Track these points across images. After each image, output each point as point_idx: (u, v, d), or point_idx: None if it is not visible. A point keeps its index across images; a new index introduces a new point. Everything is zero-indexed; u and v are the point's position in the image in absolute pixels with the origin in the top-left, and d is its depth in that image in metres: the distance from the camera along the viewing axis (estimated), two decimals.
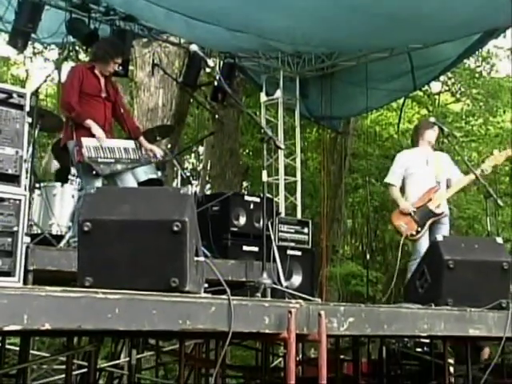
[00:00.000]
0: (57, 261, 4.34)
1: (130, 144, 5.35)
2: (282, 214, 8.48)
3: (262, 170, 4.28)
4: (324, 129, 12.08)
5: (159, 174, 6.06)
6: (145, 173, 5.82)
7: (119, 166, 5.17)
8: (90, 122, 5.18)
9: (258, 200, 6.54)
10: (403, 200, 6.19)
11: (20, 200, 3.39)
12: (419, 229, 6.02)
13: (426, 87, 13.44)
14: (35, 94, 5.30)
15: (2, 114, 3.41)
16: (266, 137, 4.17)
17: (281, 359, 7.07)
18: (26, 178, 4.18)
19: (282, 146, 5.75)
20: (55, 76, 13.24)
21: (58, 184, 5.79)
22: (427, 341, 6.11)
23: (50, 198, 5.65)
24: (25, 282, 3.69)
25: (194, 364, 5.98)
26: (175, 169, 6.43)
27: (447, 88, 15.51)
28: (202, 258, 3.27)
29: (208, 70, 7.83)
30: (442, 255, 4.19)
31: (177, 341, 5.45)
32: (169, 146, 7.27)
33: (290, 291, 4.44)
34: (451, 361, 5.74)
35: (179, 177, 6.18)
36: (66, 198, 5.73)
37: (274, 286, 4.06)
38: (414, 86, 9.90)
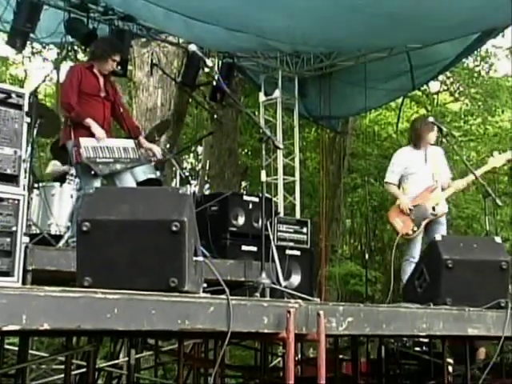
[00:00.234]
0: (56, 261, 4.34)
1: (130, 143, 5.34)
2: (281, 214, 8.48)
3: (261, 169, 4.29)
4: (323, 128, 12.08)
5: (158, 173, 6.05)
6: (144, 173, 5.81)
7: (118, 166, 5.16)
8: (89, 121, 5.18)
9: (256, 200, 6.54)
10: (404, 196, 6.14)
11: (19, 200, 3.39)
12: (415, 228, 6.00)
13: (425, 87, 13.44)
14: (34, 93, 5.28)
15: (0, 114, 3.41)
16: (265, 137, 4.17)
17: (280, 359, 7.08)
18: (25, 177, 4.19)
19: (281, 146, 5.75)
20: (54, 76, 13.24)
21: (57, 184, 5.79)
22: (426, 340, 6.11)
23: (49, 198, 5.64)
24: (24, 282, 3.69)
25: (193, 364, 5.98)
26: (174, 169, 6.43)
27: (446, 87, 15.52)
28: (200, 258, 3.27)
29: (207, 69, 7.86)
30: (441, 255, 4.19)
31: (176, 340, 5.45)
32: (167, 145, 7.27)
33: (289, 291, 4.45)
34: (450, 360, 5.75)
35: (178, 177, 6.18)
36: (64, 198, 5.72)
37: (273, 285, 4.06)
38: (413, 86, 9.89)
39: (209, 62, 4.57)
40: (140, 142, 5.50)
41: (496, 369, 5.45)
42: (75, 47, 8.95)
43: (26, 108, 3.51)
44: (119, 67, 6.32)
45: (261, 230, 4.21)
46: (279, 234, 6.72)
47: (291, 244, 6.77)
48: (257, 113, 10.21)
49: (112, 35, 7.63)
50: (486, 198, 5.61)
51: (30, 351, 5.14)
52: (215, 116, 12.27)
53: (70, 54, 9.37)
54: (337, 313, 3.24)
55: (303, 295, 4.05)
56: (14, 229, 3.34)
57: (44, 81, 10.80)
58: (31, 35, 7.47)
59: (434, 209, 6.03)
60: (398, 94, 10.71)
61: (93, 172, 5.00)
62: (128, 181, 5.32)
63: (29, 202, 5.11)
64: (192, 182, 6.32)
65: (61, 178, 6.01)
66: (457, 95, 15.60)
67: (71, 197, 5.73)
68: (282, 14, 6.94)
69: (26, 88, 11.25)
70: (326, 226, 11.70)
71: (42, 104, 7.43)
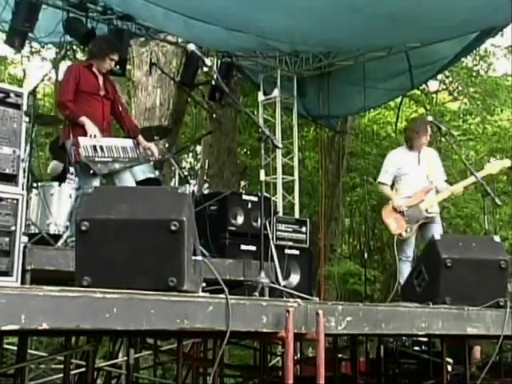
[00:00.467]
0: (54, 260, 4.34)
1: (129, 143, 5.34)
2: (280, 213, 8.48)
3: (260, 169, 4.29)
4: (322, 128, 12.08)
5: (157, 173, 6.05)
6: (142, 172, 5.81)
7: (117, 165, 5.16)
8: (83, 119, 5.16)
9: (255, 199, 6.54)
10: (397, 197, 6.19)
11: (17, 199, 3.39)
12: (408, 229, 6.03)
13: (424, 86, 13.44)
14: (32, 93, 5.28)
15: None
16: (264, 136, 4.17)
17: (279, 358, 7.07)
18: (24, 177, 4.19)
19: (280, 145, 5.74)
20: (52, 75, 13.21)
21: (56, 183, 5.79)
22: (425, 339, 6.11)
23: (48, 198, 5.64)
24: (22, 282, 3.69)
25: (192, 363, 5.97)
26: (173, 168, 6.43)
27: (445, 87, 15.51)
28: (199, 258, 3.26)
29: (205, 69, 7.83)
30: (440, 254, 4.19)
31: (175, 340, 5.44)
32: (166, 145, 7.27)
33: (288, 290, 4.44)
34: (449, 360, 5.75)
35: (177, 176, 6.18)
36: (63, 198, 5.72)
37: (272, 285, 4.06)
38: (412, 85, 9.90)
39: (208, 62, 4.57)
40: (139, 141, 5.50)
41: (495, 368, 5.45)
42: (74, 47, 8.96)
43: (24, 107, 3.51)
44: (118, 66, 6.31)
45: (260, 229, 4.21)
46: (278, 233, 6.72)
47: (290, 243, 6.78)
48: (256, 112, 10.21)
49: (111, 34, 7.63)
50: (485, 197, 5.62)
51: (29, 351, 5.13)
52: (214, 115, 12.26)
53: (68, 53, 9.37)
54: (336, 312, 3.24)
55: (302, 294, 4.05)
56: (12, 228, 3.34)
57: (43, 80, 10.78)
58: (30, 35, 7.46)
59: (427, 210, 6.06)
60: (396, 94, 10.70)
61: (92, 171, 5.00)
62: (127, 180, 5.31)
63: (28, 202, 5.10)
64: (191, 181, 6.32)
65: (60, 177, 6.01)
66: (456, 94, 15.60)
67: (70, 196, 5.73)
68: (281, 14, 6.94)
69: (24, 88, 11.22)
70: (325, 226, 11.70)
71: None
